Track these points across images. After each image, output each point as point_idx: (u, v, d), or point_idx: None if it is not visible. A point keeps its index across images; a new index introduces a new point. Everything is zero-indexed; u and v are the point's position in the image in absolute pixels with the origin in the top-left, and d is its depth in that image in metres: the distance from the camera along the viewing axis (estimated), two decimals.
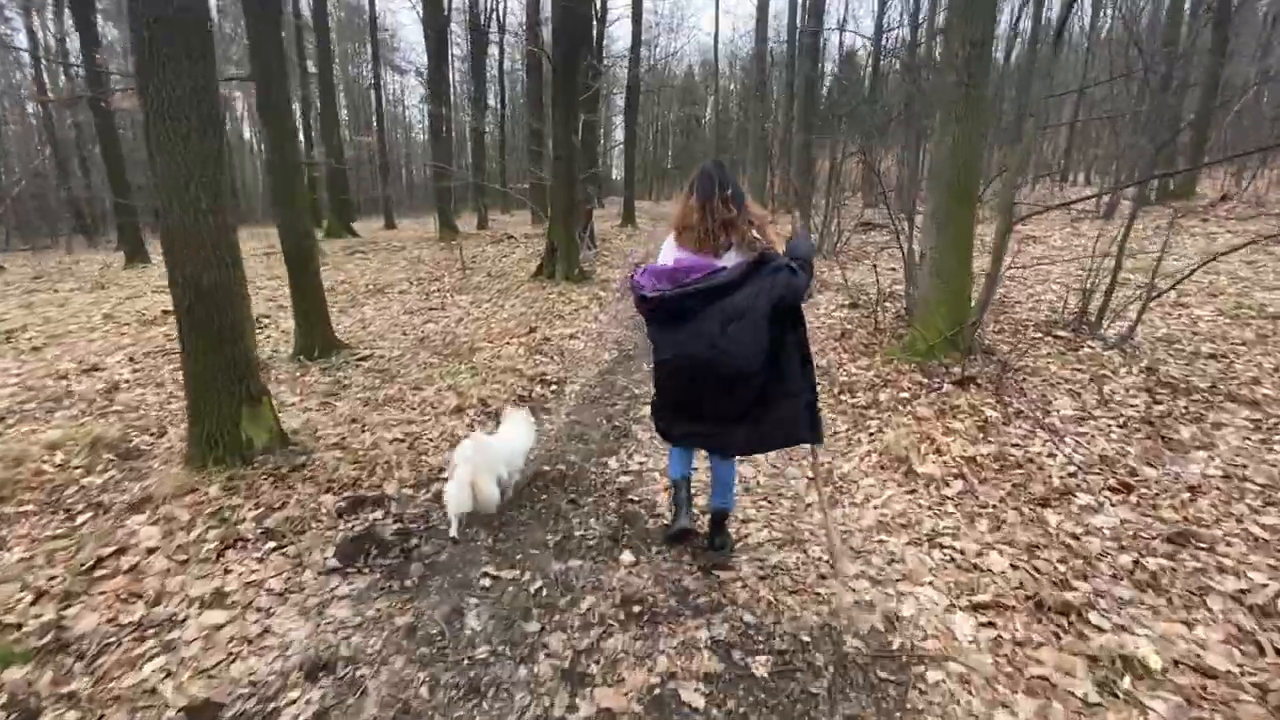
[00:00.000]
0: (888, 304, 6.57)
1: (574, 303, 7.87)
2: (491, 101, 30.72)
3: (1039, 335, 4.98)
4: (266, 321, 7.22)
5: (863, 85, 17.37)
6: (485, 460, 2.65)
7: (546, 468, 3.41)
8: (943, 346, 4.35)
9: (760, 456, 3.36)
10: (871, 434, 3.57)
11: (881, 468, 3.21)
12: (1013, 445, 3.27)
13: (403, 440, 3.67)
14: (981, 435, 3.37)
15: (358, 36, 43.49)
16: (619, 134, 45.59)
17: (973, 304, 4.63)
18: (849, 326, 5.84)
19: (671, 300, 2.05)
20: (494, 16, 27.96)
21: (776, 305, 1.99)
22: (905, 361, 4.50)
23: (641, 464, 3.48)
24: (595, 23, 21.63)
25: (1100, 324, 5.03)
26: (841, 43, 22.96)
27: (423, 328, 6.96)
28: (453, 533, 2.65)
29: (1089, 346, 4.64)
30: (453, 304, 8.18)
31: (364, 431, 3.80)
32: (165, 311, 8.35)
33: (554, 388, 4.86)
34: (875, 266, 7.19)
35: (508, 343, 6.01)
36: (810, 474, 2.96)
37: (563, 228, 8.86)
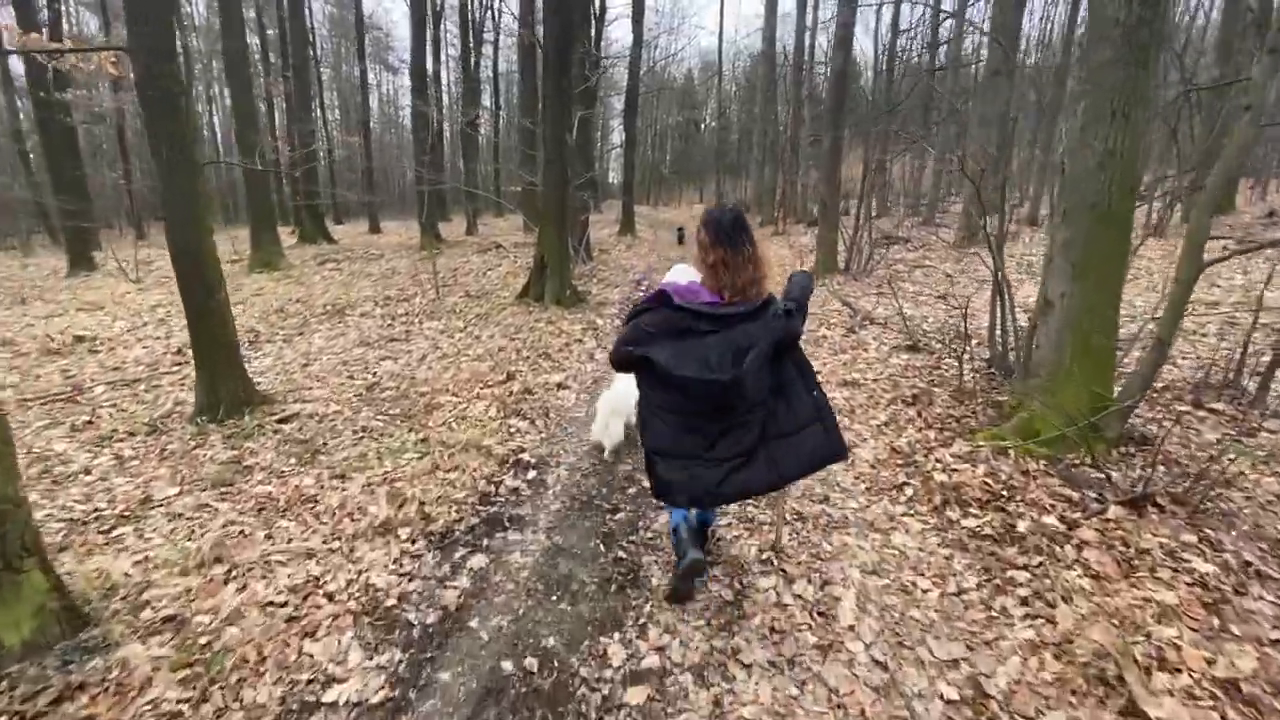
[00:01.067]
0: (952, 343, 5.28)
1: (565, 334, 6.54)
2: (486, 102, 29.45)
3: (1185, 408, 3.69)
4: (179, 365, 5.85)
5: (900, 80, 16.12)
6: (625, 407, 3.54)
7: (506, 667, 2.09)
8: (1082, 432, 3.05)
9: None
10: (1030, 611, 2.25)
11: (1074, 694, 1.89)
12: (1274, 641, 1.98)
13: (281, 607, 2.33)
14: (1216, 619, 2.07)
15: (349, 33, 42.19)
16: (615, 137, 44.47)
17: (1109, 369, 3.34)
18: (919, 383, 4.53)
19: (691, 313, 1.97)
20: (489, 15, 26.76)
21: (776, 345, 2.00)
22: (1027, 452, 3.20)
23: (662, 648, 2.17)
24: (594, 20, 20.42)
25: (1240, 383, 3.77)
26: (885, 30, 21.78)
27: (376, 367, 5.62)
28: (607, 455, 3.68)
29: (1268, 430, 3.36)
30: (420, 333, 6.84)
31: (227, 583, 2.46)
32: (80, 337, 6.99)
33: (532, 474, 3.53)
34: (939, 299, 5.90)
35: (477, 396, 4.68)
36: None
37: (554, 240, 7.54)
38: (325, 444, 3.95)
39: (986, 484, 3.04)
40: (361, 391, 4.97)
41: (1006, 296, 4.03)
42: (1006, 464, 3.17)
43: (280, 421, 4.30)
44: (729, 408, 1.98)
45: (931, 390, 4.29)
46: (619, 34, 58.30)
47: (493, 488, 3.33)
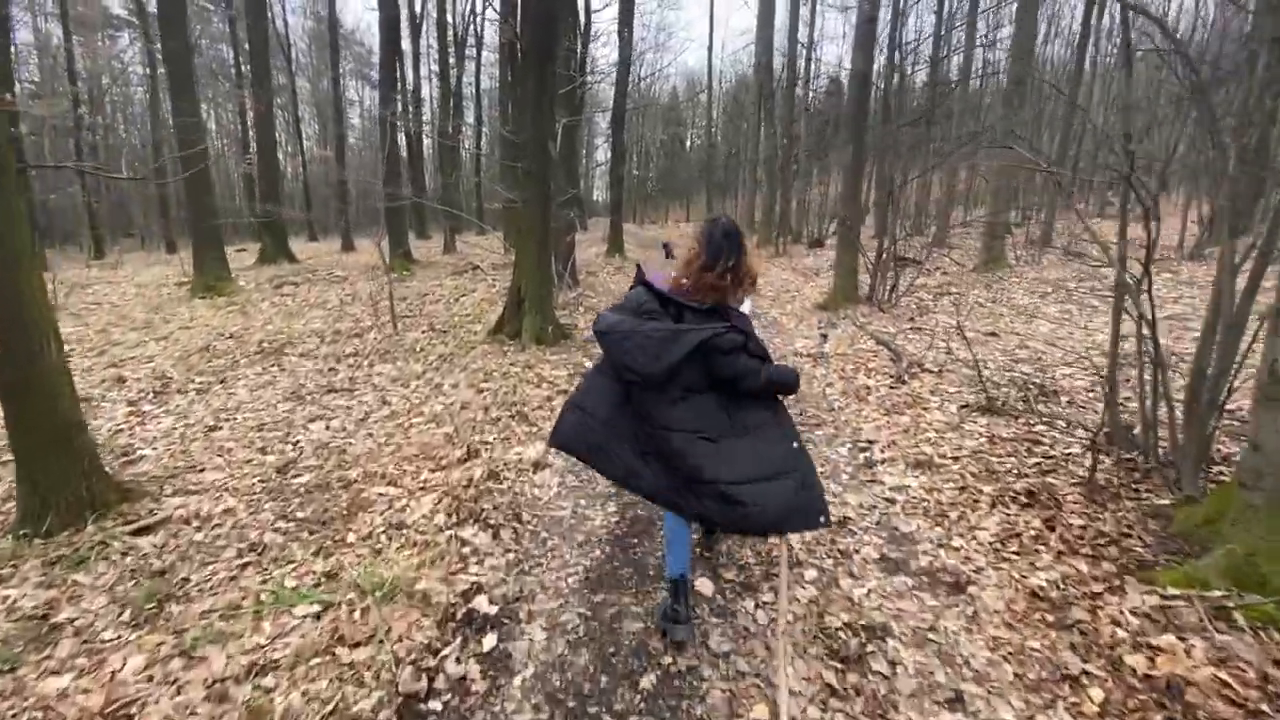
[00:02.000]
0: (1038, 401, 4.17)
1: (546, 382, 5.32)
2: (470, 118, 28.40)
3: None
4: None
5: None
6: None
7: None
8: None
9: None
10: None
11: None
12: None
13: None
14: None
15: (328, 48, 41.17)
16: (600, 154, 43.65)
17: None
18: (1022, 467, 3.37)
19: (657, 296, 2.09)
20: (471, 29, 25.83)
21: (704, 344, 1.93)
22: (1268, 620, 2.05)
23: None
24: (579, 34, 19.52)
25: None
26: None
27: (301, 433, 4.37)
28: None
29: None
30: (368, 380, 5.58)
31: None
32: None
33: (490, 641, 2.30)
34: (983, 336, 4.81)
35: (423, 486, 3.43)
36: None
37: (534, 265, 6.35)
38: (189, 579, 2.68)
39: (1224, 684, 1.87)
40: (270, 475, 3.71)
41: (1157, 356, 2.90)
42: (1241, 641, 2.01)
43: (137, 533, 3.03)
44: (624, 370, 2.00)
45: (1048, 483, 3.14)
46: (604, 50, 57.94)
47: (424, 680, 2.09)
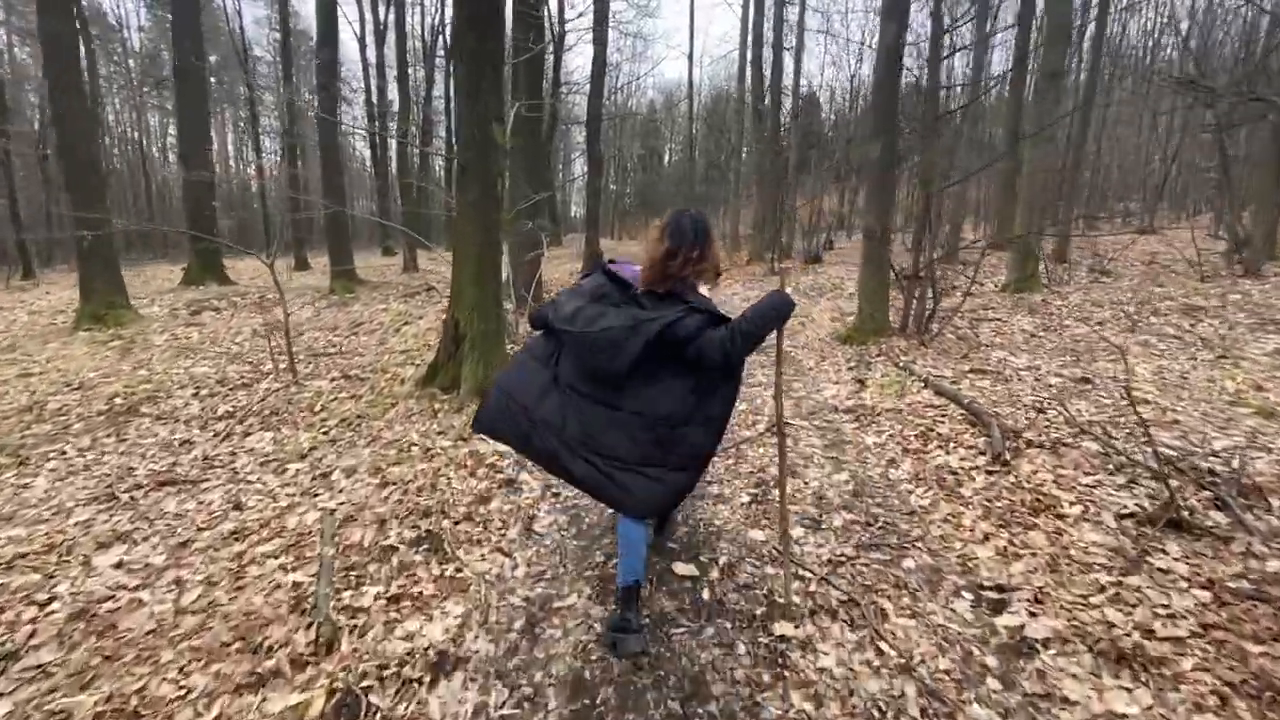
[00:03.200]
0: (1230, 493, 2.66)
1: (486, 469, 3.66)
2: (442, 131, 26.77)
3: None
4: None
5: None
6: None
7: None
8: None
9: None
10: None
11: None
12: None
13: None
14: None
15: (297, 61, 39.57)
16: (577, 167, 42.27)
17: None
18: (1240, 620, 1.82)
19: (615, 281, 2.10)
20: (440, 39, 24.38)
21: (662, 333, 1.89)
22: None
23: None
24: (554, 41, 18.09)
25: None
26: None
27: (67, 577, 2.67)
28: None
29: None
30: (227, 465, 3.89)
31: None
32: None
33: None
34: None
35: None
36: None
37: (476, 292, 4.73)
38: None
39: None
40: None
41: None
42: None
43: None
44: (595, 373, 1.99)
45: None
46: (579, 62, 57.00)
47: None
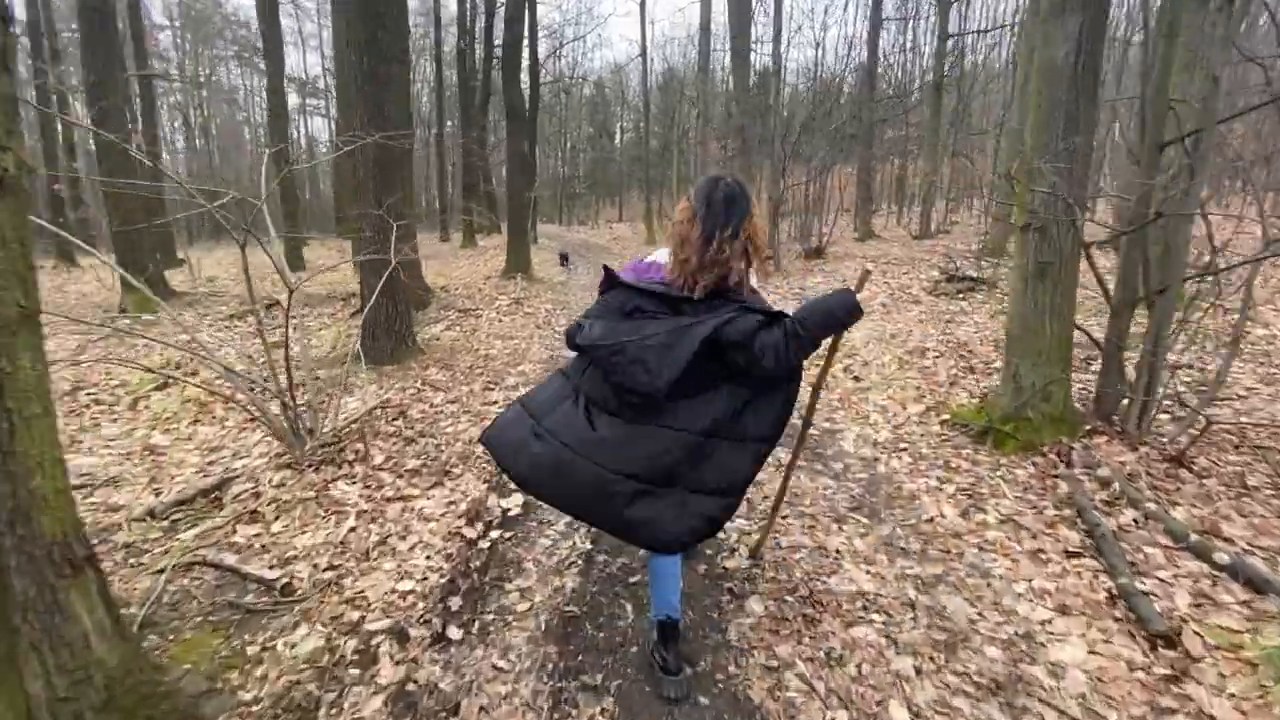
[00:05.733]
0: None
1: None
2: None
3: None
4: None
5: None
6: None
7: None
8: None
9: None
10: None
11: None
12: None
13: None
14: None
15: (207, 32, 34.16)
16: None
17: None
18: None
19: (637, 291, 1.71)
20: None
21: (710, 339, 1.55)
22: None
23: None
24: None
25: None
26: None
27: None
28: None
29: None
30: None
31: None
32: None
33: None
34: None
35: None
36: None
37: None
38: None
39: None
40: None
41: None
42: None
43: None
44: (624, 392, 1.64)
45: None
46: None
47: None
